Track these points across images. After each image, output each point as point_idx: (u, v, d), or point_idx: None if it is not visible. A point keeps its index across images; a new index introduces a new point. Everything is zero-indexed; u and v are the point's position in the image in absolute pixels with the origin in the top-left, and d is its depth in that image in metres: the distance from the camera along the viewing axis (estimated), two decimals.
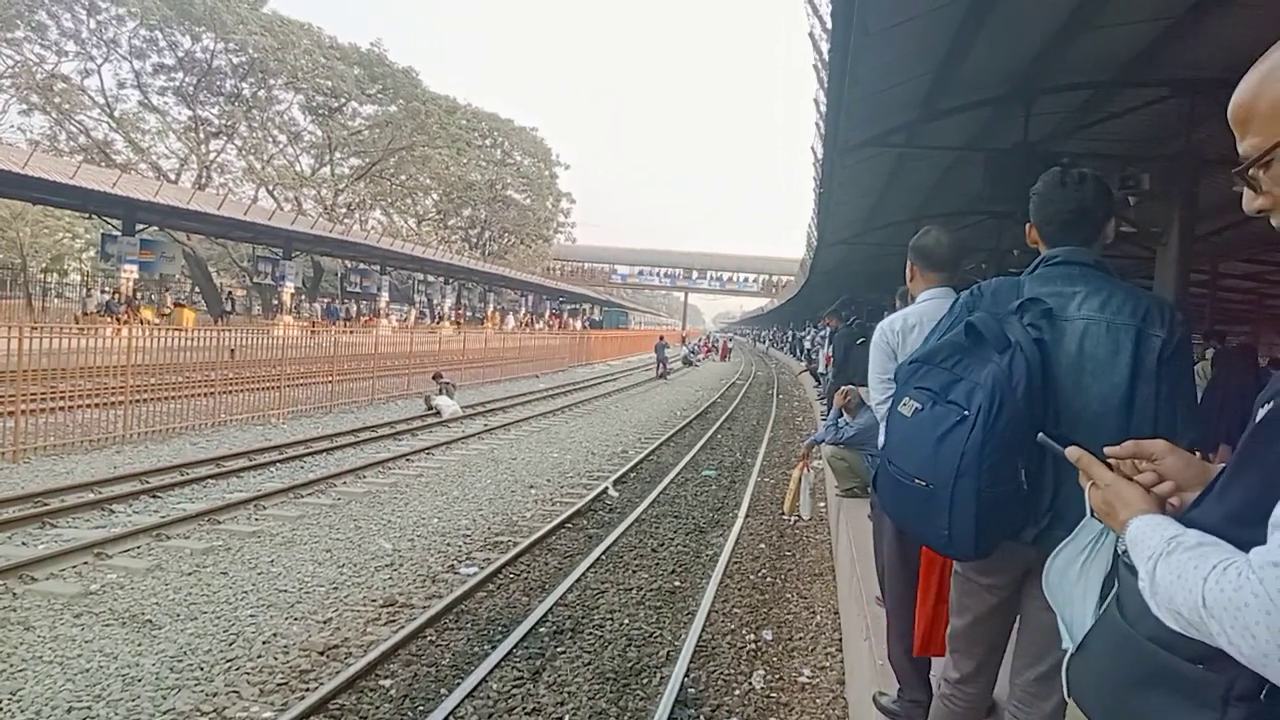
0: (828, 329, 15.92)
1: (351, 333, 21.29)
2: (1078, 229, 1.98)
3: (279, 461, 10.40)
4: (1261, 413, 0.88)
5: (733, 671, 4.88)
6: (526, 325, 53.48)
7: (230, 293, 39.16)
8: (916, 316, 2.83)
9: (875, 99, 7.34)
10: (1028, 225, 2.09)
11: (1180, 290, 7.81)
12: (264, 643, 5.00)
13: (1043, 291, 1.90)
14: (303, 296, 42.53)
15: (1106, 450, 1.11)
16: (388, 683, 4.54)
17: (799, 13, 7.50)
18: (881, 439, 2.58)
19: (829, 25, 5.81)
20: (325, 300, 41.77)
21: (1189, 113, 7.14)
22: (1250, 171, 0.91)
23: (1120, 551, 1.01)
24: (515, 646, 5.03)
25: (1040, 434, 1.24)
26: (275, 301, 35.59)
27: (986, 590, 2.07)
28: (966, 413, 1.72)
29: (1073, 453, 1.14)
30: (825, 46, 6.39)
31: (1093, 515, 1.16)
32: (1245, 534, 0.82)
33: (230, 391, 14.10)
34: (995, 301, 1.93)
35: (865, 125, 8.07)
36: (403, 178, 52.21)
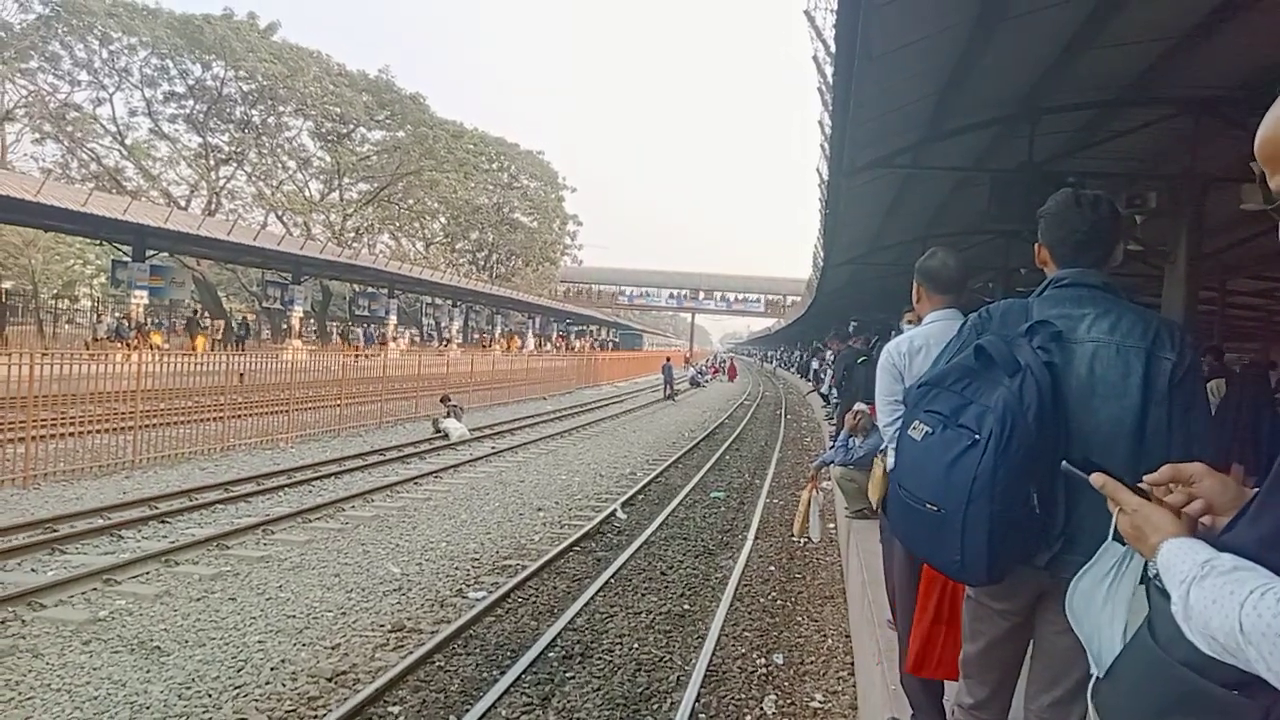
0: (830, 351, 15.95)
1: (369, 356, 21.48)
2: (1091, 250, 1.98)
3: (287, 486, 10.40)
4: None
5: (744, 696, 4.84)
6: (540, 346, 53.74)
7: (245, 318, 39.28)
8: (923, 338, 2.82)
9: (880, 121, 7.37)
10: (1037, 245, 2.08)
11: (1189, 308, 7.79)
12: (272, 669, 4.98)
13: (1051, 314, 1.89)
14: (312, 321, 42.75)
15: (1146, 478, 1.09)
16: (396, 709, 4.51)
17: (797, 28, 7.54)
18: (891, 461, 2.57)
19: (833, 49, 5.85)
20: (363, 325, 42.16)
21: (1194, 131, 7.16)
22: None
23: (1152, 575, 1.00)
24: (524, 672, 5.00)
25: (1064, 463, 1.22)
26: (284, 326, 35.75)
27: (1000, 615, 2.05)
28: (978, 437, 1.71)
29: (1097, 479, 1.13)
30: (829, 70, 6.43)
31: (1114, 539, 1.15)
32: None
33: (239, 416, 14.13)
34: (1004, 324, 1.92)
35: (870, 147, 8.10)
36: (410, 202, 52.55)
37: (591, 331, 73.89)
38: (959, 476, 1.72)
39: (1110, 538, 1.17)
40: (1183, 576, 0.88)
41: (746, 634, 5.88)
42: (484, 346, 45.06)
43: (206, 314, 40.22)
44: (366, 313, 42.61)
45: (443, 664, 5.14)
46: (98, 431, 11.43)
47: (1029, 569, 1.85)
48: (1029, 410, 1.69)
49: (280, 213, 46.07)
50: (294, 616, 5.88)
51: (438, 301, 48.42)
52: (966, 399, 1.78)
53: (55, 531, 7.60)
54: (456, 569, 7.27)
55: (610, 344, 70.49)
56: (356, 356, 21.91)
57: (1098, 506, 1.75)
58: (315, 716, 4.37)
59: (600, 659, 5.30)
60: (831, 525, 8.78)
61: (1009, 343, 1.81)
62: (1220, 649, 0.82)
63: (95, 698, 4.50)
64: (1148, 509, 1.04)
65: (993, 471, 1.67)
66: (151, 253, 26.61)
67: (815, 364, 23.73)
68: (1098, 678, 1.10)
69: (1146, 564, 1.05)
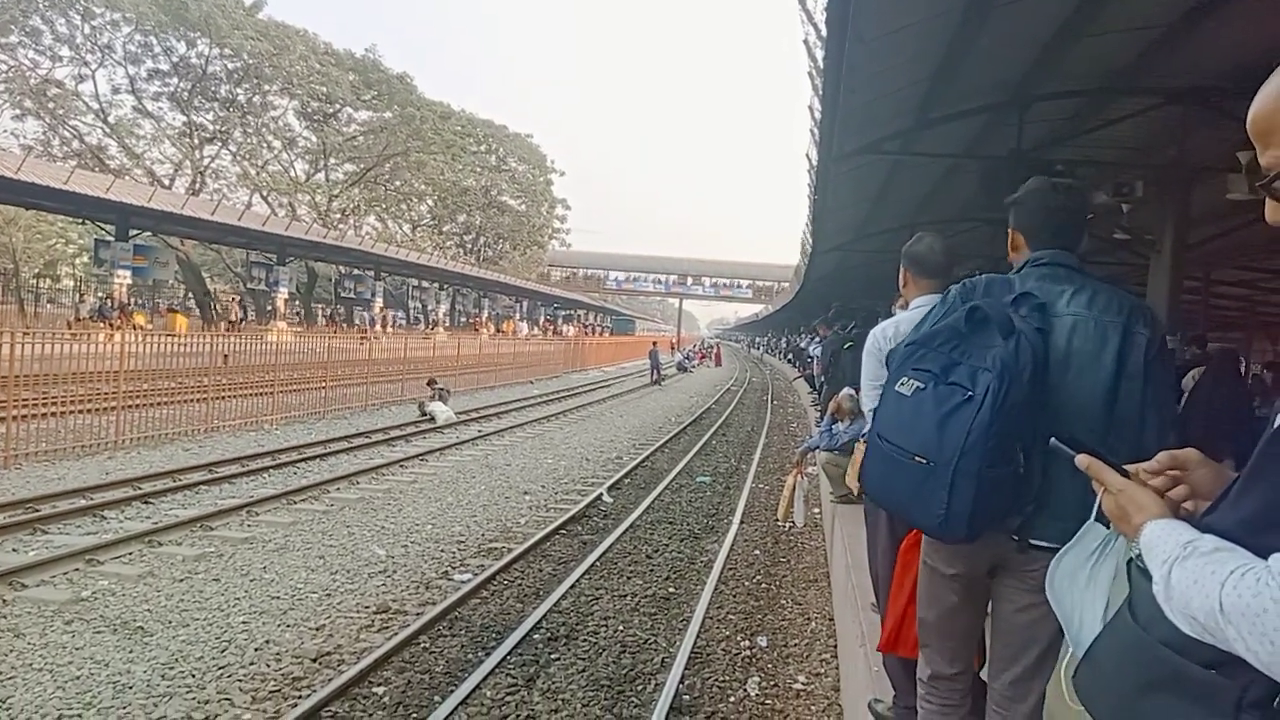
0: (819, 337, 15.95)
1: (375, 338, 21.51)
2: (1066, 234, 2.07)
3: (272, 467, 10.36)
4: None
5: (728, 678, 4.87)
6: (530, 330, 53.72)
7: (240, 299, 38.92)
8: (909, 323, 2.82)
9: (870, 106, 7.36)
10: (1010, 232, 2.16)
11: (1173, 297, 7.85)
12: (256, 650, 4.97)
13: (1033, 288, 1.96)
14: (297, 302, 42.47)
15: (1142, 466, 1.10)
16: (381, 690, 4.51)
17: (795, 19, 7.52)
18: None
19: (824, 33, 5.83)
20: (365, 308, 42.11)
21: (1182, 121, 7.19)
22: (1274, 183, 0.90)
23: (1134, 556, 1.01)
24: (509, 653, 5.02)
25: (1052, 439, 1.23)
26: (269, 307, 35.58)
27: (951, 579, 2.10)
28: (971, 393, 1.75)
29: (1082, 460, 1.14)
30: (820, 54, 6.41)
31: (1097, 519, 1.16)
32: (1261, 540, 0.82)
33: (223, 397, 14.05)
34: (988, 294, 1.98)
35: (860, 132, 8.09)
36: (397, 183, 52.18)
37: (580, 316, 73.77)
38: (953, 430, 1.76)
39: (1093, 518, 1.18)
40: (1165, 557, 0.89)
41: (731, 617, 5.92)
42: (475, 330, 44.99)
43: (186, 293, 39.96)
44: (352, 295, 42.39)
45: (428, 645, 5.15)
46: (80, 412, 11.34)
47: (991, 534, 1.90)
48: (1024, 371, 1.76)
49: (265, 193, 45.67)
50: (278, 598, 5.87)
51: (424, 284, 48.20)
52: (954, 360, 1.83)
53: (37, 511, 7.54)
54: (442, 551, 7.27)
55: (604, 329, 70.59)
56: (363, 339, 21.93)
57: (1071, 473, 1.83)
58: (300, 697, 4.37)
59: (585, 641, 5.32)
60: (816, 510, 8.83)
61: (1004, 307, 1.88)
62: (1200, 629, 0.83)
63: (78, 677, 4.48)
64: (1133, 490, 1.05)
65: (987, 427, 1.72)
66: (135, 232, 26.39)
67: (812, 349, 23.35)
68: (1078, 658, 1.12)
69: (1129, 544, 1.05)
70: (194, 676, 4.58)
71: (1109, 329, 1.89)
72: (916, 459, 1.83)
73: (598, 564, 6.99)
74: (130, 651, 4.83)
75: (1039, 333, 1.83)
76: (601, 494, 9.73)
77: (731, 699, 4.62)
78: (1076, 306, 1.93)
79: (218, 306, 33.70)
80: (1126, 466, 1.10)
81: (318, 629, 5.36)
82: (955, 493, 1.76)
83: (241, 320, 32.13)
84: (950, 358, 1.84)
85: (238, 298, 37.78)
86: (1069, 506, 1.82)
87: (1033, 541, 1.90)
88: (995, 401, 1.72)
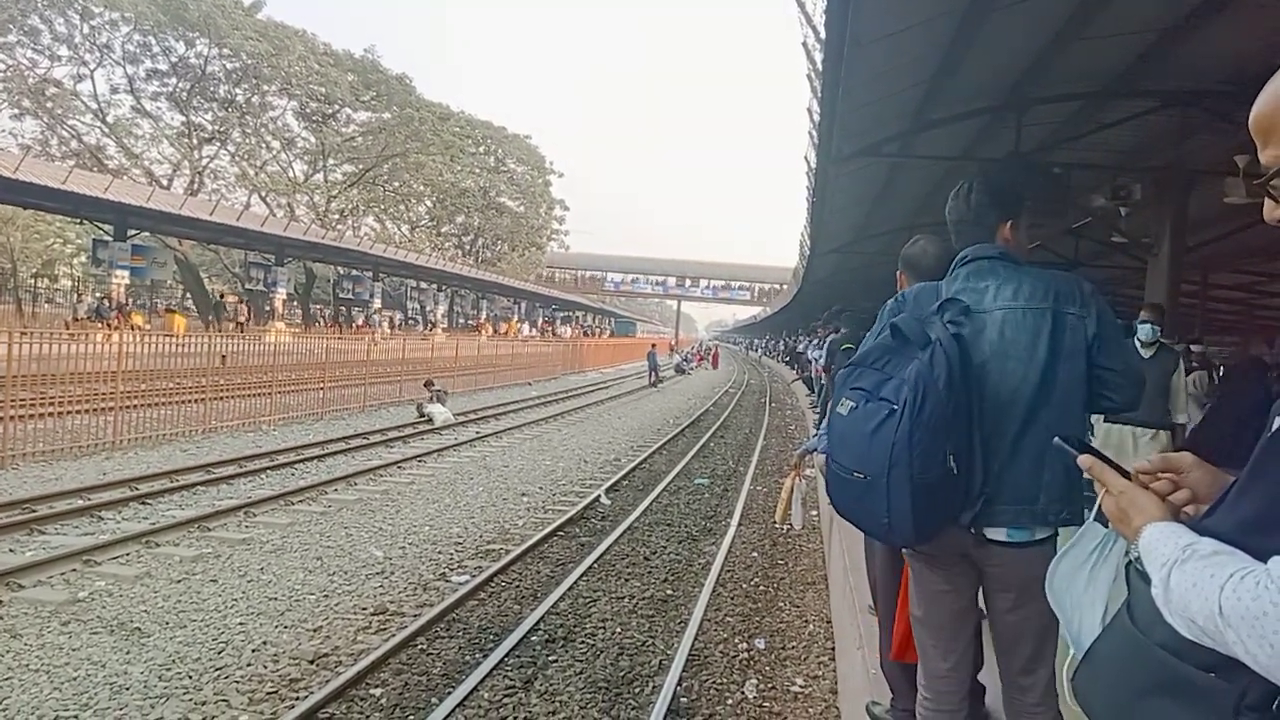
0: (818, 339, 15.94)
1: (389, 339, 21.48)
2: (971, 232, 2.19)
3: (270, 468, 10.34)
4: (1278, 421, 0.89)
5: (725, 681, 4.87)
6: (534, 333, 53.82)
7: (246, 301, 38.80)
8: None
9: (869, 109, 7.37)
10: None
11: (1171, 300, 7.85)
12: (253, 651, 4.97)
13: (958, 289, 2.07)
14: (295, 303, 42.39)
15: (1134, 466, 1.11)
16: (378, 691, 4.51)
17: (794, 22, 7.54)
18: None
19: (822, 35, 5.84)
20: (393, 312, 42.20)
21: (1180, 124, 7.20)
22: (1273, 181, 0.91)
23: (1133, 558, 1.01)
24: (507, 655, 5.01)
25: (1055, 438, 1.25)
26: (267, 308, 35.54)
27: (930, 572, 2.17)
28: (895, 407, 1.86)
29: (1084, 461, 1.14)
30: (819, 57, 6.42)
31: (1096, 520, 1.16)
32: (1260, 542, 0.82)
33: (221, 398, 14.03)
34: (918, 305, 2.09)
35: (859, 135, 8.10)
36: (396, 184, 52.15)
37: (578, 318, 73.71)
38: (879, 443, 1.86)
39: (1092, 518, 1.19)
40: (1164, 560, 0.89)
41: (729, 619, 5.91)
42: (478, 331, 45.01)
43: (184, 293, 39.89)
44: (350, 296, 42.37)
45: (425, 647, 5.14)
46: (77, 412, 11.31)
47: (953, 529, 1.99)
48: (939, 378, 1.85)
49: (264, 193, 45.63)
50: (276, 599, 5.86)
51: (423, 285, 48.15)
52: (886, 375, 1.94)
53: (34, 512, 7.53)
54: (440, 553, 7.26)
55: (603, 330, 70.73)
56: (368, 335, 22.01)
57: (1012, 467, 1.93)
58: (297, 698, 4.36)
59: (583, 643, 5.32)
60: (814, 513, 8.83)
61: (921, 320, 1.98)
62: (1199, 632, 0.83)
63: (74, 678, 4.47)
64: (1134, 492, 1.05)
65: (909, 436, 1.82)
66: (133, 232, 26.36)
67: (811, 353, 23.25)
68: (1077, 659, 1.12)
69: (1129, 546, 1.06)
70: (191, 678, 4.57)
71: (1037, 316, 1.98)
72: (855, 475, 1.94)
73: (595, 566, 6.99)
74: (127, 653, 4.82)
75: (956, 338, 1.91)
76: (599, 496, 9.72)
77: (729, 701, 4.62)
78: (1003, 299, 2.02)
79: (225, 308, 33.82)
80: (1127, 468, 1.10)
81: (315, 630, 5.35)
82: (893, 503, 1.86)
83: (244, 321, 32.22)
84: (883, 373, 1.95)
85: (239, 298, 37.75)
86: (1019, 497, 1.94)
87: (987, 534, 1.98)
88: (913, 412, 1.82)
